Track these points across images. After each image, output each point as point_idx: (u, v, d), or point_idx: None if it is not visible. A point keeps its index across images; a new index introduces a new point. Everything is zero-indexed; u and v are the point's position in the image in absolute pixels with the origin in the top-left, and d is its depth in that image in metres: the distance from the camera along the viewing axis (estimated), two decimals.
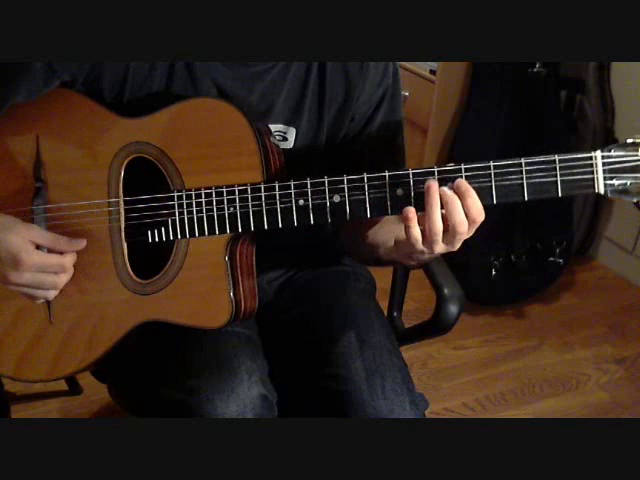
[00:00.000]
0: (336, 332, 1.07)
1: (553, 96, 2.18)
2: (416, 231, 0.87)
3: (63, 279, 0.97)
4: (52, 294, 0.98)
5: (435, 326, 1.14)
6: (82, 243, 0.97)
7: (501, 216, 2.10)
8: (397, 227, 0.94)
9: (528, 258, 2.21)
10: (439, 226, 0.86)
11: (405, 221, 0.87)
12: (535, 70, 2.06)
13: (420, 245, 0.88)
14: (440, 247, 0.88)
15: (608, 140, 2.33)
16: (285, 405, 1.03)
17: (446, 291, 1.13)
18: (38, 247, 0.95)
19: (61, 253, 0.96)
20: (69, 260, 0.96)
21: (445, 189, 0.86)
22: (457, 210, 0.85)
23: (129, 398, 1.09)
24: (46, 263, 0.94)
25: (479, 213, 0.86)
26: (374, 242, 1.04)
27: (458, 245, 0.88)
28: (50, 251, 0.95)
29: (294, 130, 1.05)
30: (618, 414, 1.88)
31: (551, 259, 2.23)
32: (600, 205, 2.44)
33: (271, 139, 0.98)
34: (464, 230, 0.86)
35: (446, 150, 2.19)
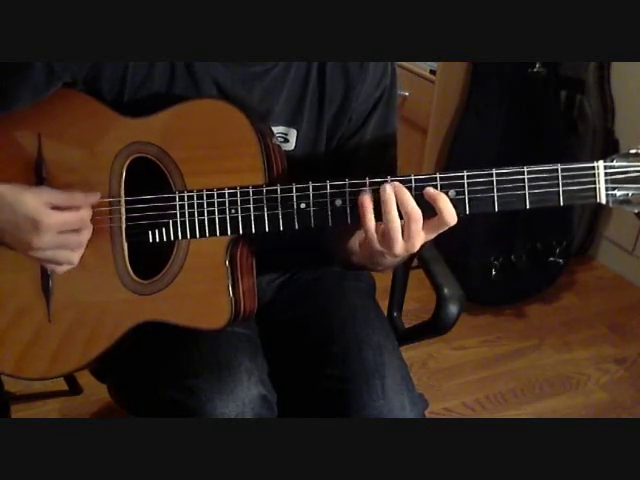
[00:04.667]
0: (336, 332, 1.07)
1: (553, 96, 2.18)
2: (370, 220, 0.87)
3: (85, 236, 0.96)
4: (76, 256, 0.96)
5: (435, 326, 1.14)
6: (97, 196, 0.96)
7: (501, 216, 2.10)
8: None
9: (528, 258, 2.21)
10: (397, 222, 0.86)
11: (360, 209, 0.88)
12: (535, 70, 2.06)
13: (377, 243, 0.89)
14: (399, 245, 0.88)
15: (608, 140, 2.33)
16: (285, 405, 1.03)
17: (446, 291, 1.13)
18: (53, 208, 0.93)
19: (77, 209, 0.95)
20: (87, 215, 0.95)
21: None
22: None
23: (129, 398, 1.09)
24: (66, 221, 0.93)
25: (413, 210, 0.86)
26: (351, 246, 1.04)
27: (417, 245, 0.88)
28: (66, 210, 0.94)
29: (295, 131, 1.05)
30: (618, 414, 1.88)
31: (551, 259, 2.23)
32: (600, 206, 2.43)
33: (273, 140, 0.98)
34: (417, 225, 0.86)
35: (446, 150, 2.19)
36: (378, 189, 0.88)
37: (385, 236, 0.88)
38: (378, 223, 0.88)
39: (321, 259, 1.20)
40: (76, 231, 0.95)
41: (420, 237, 0.88)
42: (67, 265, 0.97)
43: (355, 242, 1.02)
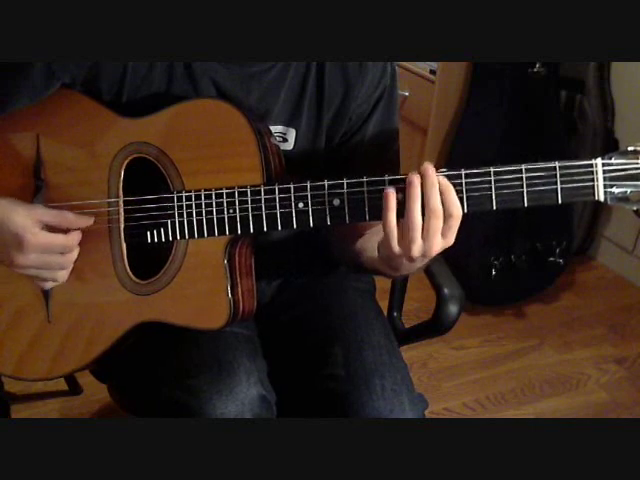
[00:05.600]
0: (336, 332, 1.07)
1: (553, 96, 2.18)
2: (392, 217, 0.86)
3: (70, 258, 0.96)
4: (61, 275, 0.97)
5: (435, 326, 1.14)
6: (89, 220, 0.97)
7: (501, 216, 2.10)
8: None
9: (528, 258, 2.21)
10: (418, 218, 0.85)
11: (384, 201, 0.86)
12: (535, 70, 2.06)
13: (396, 243, 0.87)
14: (417, 247, 0.85)
15: (608, 140, 2.33)
16: (284, 405, 1.03)
17: (446, 291, 1.13)
18: (44, 228, 0.94)
19: (67, 231, 0.95)
20: (75, 239, 0.96)
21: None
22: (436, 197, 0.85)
23: (129, 398, 1.09)
24: (52, 243, 0.94)
25: (455, 207, 0.85)
26: (360, 247, 1.04)
27: (435, 246, 0.86)
28: (56, 229, 0.95)
29: (294, 131, 1.05)
30: (618, 414, 1.88)
31: (551, 259, 2.23)
32: (600, 205, 2.44)
33: (272, 140, 0.98)
34: (439, 223, 0.85)
35: (446, 150, 2.19)
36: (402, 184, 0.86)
37: (405, 234, 0.86)
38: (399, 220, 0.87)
39: (321, 259, 1.20)
40: (61, 253, 0.95)
41: (438, 237, 0.86)
42: (52, 282, 0.98)
43: (364, 242, 1.02)
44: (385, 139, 1.09)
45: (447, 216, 0.85)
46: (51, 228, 0.94)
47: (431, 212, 0.85)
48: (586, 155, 2.29)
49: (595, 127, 2.32)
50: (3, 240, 0.92)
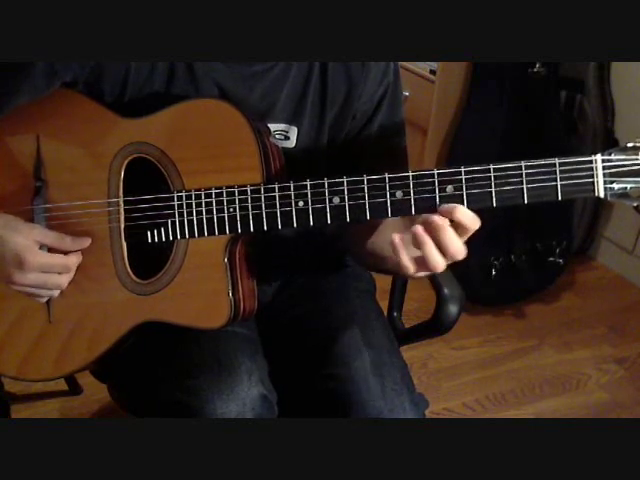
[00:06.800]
0: (336, 332, 1.07)
1: (553, 96, 2.18)
2: (405, 259, 0.88)
3: (67, 279, 0.97)
4: (56, 293, 0.98)
5: (435, 326, 1.14)
6: (86, 242, 0.97)
7: (501, 216, 2.10)
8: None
9: (528, 258, 2.21)
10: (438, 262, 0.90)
11: (393, 248, 0.87)
12: (535, 70, 2.06)
13: (413, 272, 0.90)
14: (440, 266, 0.91)
15: (608, 140, 2.33)
16: (285, 405, 1.03)
17: (446, 291, 1.13)
18: (41, 247, 0.95)
19: (64, 252, 0.96)
20: (73, 260, 0.97)
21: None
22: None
23: (129, 398, 1.09)
24: (50, 263, 0.95)
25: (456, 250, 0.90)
26: (371, 249, 1.04)
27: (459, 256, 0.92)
28: (53, 250, 0.96)
29: (296, 129, 1.05)
30: (618, 414, 1.89)
31: (551, 259, 2.23)
32: (600, 205, 2.44)
33: (271, 139, 0.98)
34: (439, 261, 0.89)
35: (446, 150, 2.19)
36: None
37: (423, 267, 0.89)
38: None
39: (323, 258, 1.20)
40: (58, 273, 0.96)
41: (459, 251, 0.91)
42: (46, 297, 0.99)
43: (374, 243, 1.03)
44: (392, 135, 1.09)
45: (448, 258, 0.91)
46: (50, 248, 0.96)
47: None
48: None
49: (595, 127, 2.32)
50: (3, 257, 0.93)
